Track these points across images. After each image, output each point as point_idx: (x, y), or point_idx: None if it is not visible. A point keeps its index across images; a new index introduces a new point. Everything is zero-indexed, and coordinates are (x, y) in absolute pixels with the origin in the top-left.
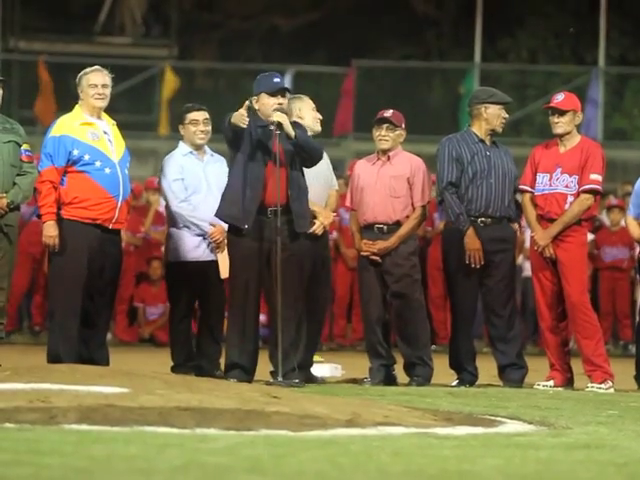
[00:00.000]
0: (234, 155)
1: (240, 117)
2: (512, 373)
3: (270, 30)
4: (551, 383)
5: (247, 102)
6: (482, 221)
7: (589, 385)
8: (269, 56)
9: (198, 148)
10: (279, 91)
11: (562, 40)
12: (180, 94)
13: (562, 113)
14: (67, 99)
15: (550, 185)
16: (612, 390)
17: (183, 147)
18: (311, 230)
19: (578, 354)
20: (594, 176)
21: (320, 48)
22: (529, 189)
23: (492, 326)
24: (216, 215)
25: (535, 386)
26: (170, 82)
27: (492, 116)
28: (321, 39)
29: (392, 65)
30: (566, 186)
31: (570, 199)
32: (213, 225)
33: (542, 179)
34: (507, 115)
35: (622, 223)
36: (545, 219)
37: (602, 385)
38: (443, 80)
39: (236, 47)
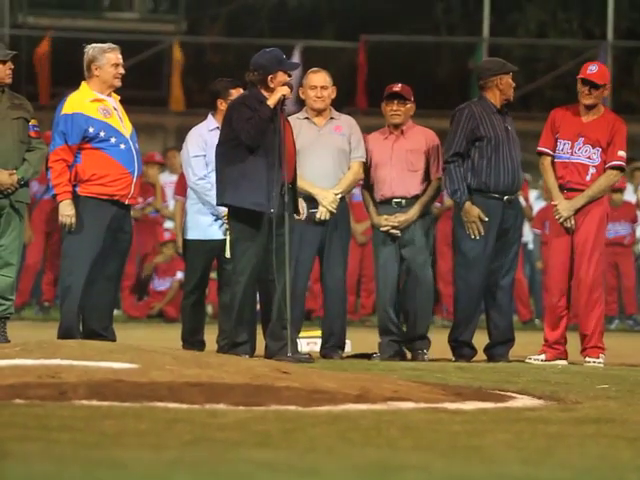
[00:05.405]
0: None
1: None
2: (500, 348)
3: (278, 5)
4: (542, 357)
5: (281, 91)
6: (508, 199)
7: (587, 359)
8: (277, 31)
9: None
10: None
11: (571, 14)
12: (189, 69)
13: (596, 87)
14: (76, 76)
15: (571, 154)
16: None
17: (211, 122)
18: (317, 216)
19: (574, 329)
20: (621, 153)
21: (329, 23)
22: (550, 152)
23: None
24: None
25: (527, 360)
26: (177, 60)
27: (507, 86)
28: (330, 14)
29: (401, 40)
30: (588, 157)
31: (592, 171)
32: None
33: (563, 146)
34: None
35: (624, 198)
36: (565, 189)
37: (599, 359)
38: (452, 55)
39: (244, 22)
